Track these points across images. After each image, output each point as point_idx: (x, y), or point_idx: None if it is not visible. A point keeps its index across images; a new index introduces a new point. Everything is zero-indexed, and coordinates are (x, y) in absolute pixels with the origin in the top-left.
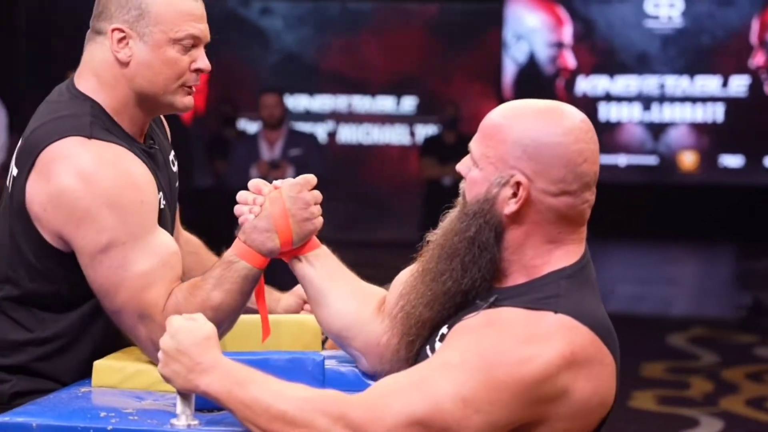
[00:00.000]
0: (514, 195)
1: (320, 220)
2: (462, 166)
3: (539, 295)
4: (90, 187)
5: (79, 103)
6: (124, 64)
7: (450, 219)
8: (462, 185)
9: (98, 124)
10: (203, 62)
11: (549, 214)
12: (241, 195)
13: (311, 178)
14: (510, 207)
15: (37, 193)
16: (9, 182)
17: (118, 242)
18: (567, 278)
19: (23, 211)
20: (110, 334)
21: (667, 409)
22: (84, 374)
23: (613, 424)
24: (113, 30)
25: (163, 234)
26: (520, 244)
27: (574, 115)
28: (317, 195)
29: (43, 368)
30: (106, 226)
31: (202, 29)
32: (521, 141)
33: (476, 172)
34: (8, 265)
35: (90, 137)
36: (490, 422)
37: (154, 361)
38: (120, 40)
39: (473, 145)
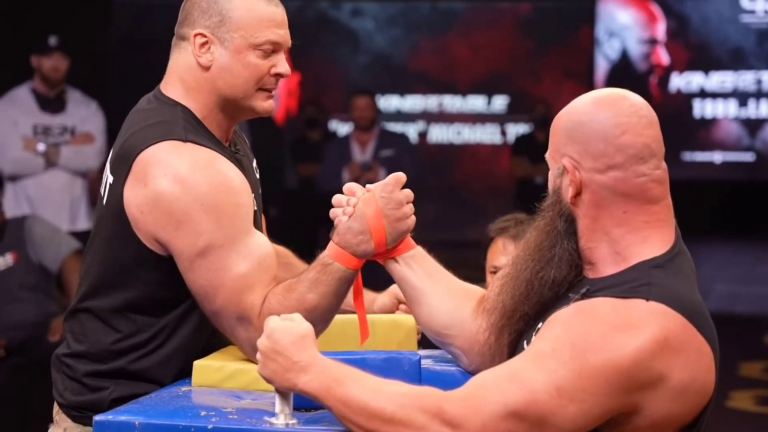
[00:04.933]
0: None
1: (413, 219)
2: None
3: (630, 284)
4: (187, 191)
5: (169, 108)
6: (206, 69)
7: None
8: None
9: (191, 128)
10: (283, 67)
11: (605, 193)
12: (335, 198)
13: (401, 176)
14: (569, 193)
15: (134, 195)
16: (104, 190)
17: (216, 245)
18: (658, 267)
19: (121, 215)
20: (204, 332)
21: (766, 410)
22: (179, 373)
23: (711, 425)
24: (195, 35)
25: (258, 235)
26: (591, 229)
27: (617, 94)
28: (409, 194)
29: (139, 369)
30: (204, 230)
31: (282, 35)
32: (565, 126)
33: (549, 170)
34: (106, 272)
35: (185, 141)
36: (585, 411)
37: (253, 361)
38: (202, 45)
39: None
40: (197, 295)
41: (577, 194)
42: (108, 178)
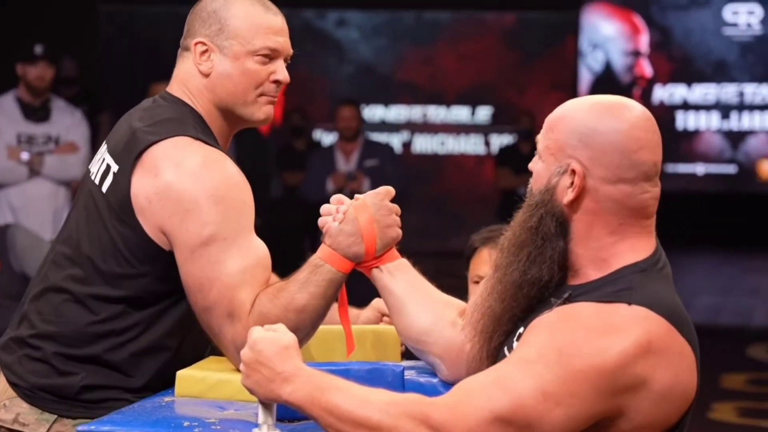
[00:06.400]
0: (573, 183)
1: (400, 230)
2: (531, 163)
3: (612, 288)
4: (198, 182)
5: (179, 107)
6: (206, 76)
7: (517, 213)
8: (531, 182)
9: (199, 128)
10: (282, 74)
11: (608, 203)
12: (324, 208)
13: (391, 189)
14: (568, 196)
15: (143, 187)
16: (102, 178)
17: (219, 237)
18: (640, 272)
19: (125, 205)
20: (180, 331)
21: (748, 422)
22: (154, 373)
23: None
24: (196, 44)
25: (257, 237)
26: (583, 235)
27: (633, 106)
28: (396, 207)
29: (113, 360)
30: (210, 221)
31: (281, 42)
32: (577, 130)
33: (540, 165)
34: (101, 261)
35: (196, 138)
36: (571, 415)
37: (234, 365)
38: (202, 53)
39: (538, 139)
40: (191, 288)
41: (576, 199)
42: (111, 167)
